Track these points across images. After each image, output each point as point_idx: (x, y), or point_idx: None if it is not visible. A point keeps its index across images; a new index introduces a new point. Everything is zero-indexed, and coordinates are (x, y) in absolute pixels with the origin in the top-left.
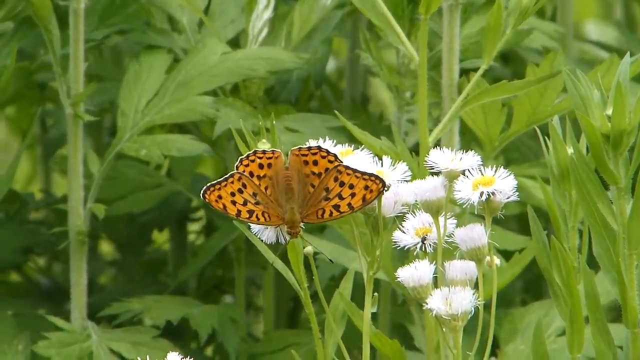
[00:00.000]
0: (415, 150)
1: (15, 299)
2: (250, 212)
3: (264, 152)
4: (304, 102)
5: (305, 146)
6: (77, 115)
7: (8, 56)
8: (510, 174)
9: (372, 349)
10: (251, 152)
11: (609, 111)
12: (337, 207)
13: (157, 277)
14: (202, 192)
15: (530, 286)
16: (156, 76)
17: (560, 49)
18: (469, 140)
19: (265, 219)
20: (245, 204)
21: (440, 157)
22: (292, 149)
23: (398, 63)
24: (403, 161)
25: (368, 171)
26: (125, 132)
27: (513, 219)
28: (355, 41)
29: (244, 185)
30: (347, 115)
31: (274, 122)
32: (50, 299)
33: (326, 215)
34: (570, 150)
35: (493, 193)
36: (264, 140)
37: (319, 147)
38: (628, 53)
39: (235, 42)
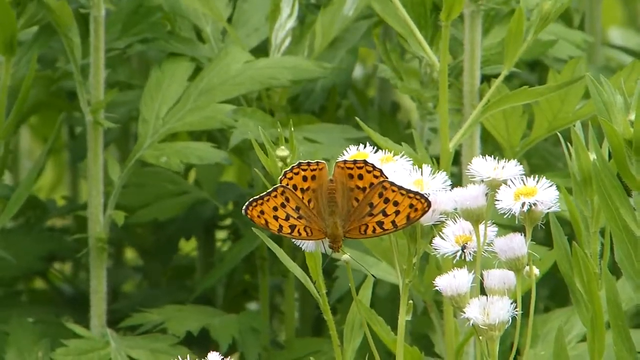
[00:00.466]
0: (438, 158)
1: (39, 306)
2: (292, 227)
3: (308, 164)
4: (332, 112)
5: (350, 159)
6: (97, 122)
7: (28, 64)
8: (552, 184)
9: (393, 357)
10: (295, 164)
11: (632, 116)
12: (380, 223)
13: (183, 284)
14: (244, 207)
15: (555, 293)
16: (178, 84)
17: (584, 57)
18: (490, 146)
19: (307, 234)
20: (287, 218)
21: (483, 166)
22: (337, 161)
23: (421, 72)
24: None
25: (414, 189)
26: (145, 139)
27: (537, 227)
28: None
29: (287, 199)
30: (376, 124)
31: (294, 131)
32: (74, 307)
33: (369, 231)
34: (592, 156)
35: (535, 204)
36: (282, 147)
37: (364, 162)
38: None
39: (259, 51)
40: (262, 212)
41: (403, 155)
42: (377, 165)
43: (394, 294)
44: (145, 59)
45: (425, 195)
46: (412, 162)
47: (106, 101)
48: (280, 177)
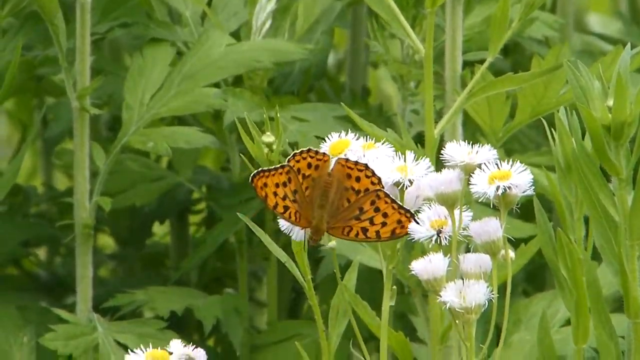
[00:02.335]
0: (418, 141)
1: (17, 292)
2: (286, 207)
3: (316, 152)
4: (304, 95)
5: (353, 160)
6: (83, 109)
7: (12, 52)
8: (525, 168)
9: (375, 339)
10: (305, 149)
11: (610, 102)
12: (365, 230)
13: (157, 270)
14: (251, 176)
15: (532, 277)
16: (160, 69)
17: (561, 39)
18: (472, 131)
19: (295, 219)
20: (284, 198)
21: (457, 151)
22: (339, 158)
23: (402, 55)
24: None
25: (406, 207)
26: (130, 125)
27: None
28: (356, 33)
29: (289, 180)
30: (348, 107)
31: (281, 112)
32: (49, 293)
33: (352, 234)
34: (572, 142)
35: (509, 187)
36: (268, 133)
37: (366, 166)
38: (629, 44)
39: (238, 35)
40: (265, 185)
41: (385, 142)
42: (377, 172)
43: (371, 277)
44: (115, 45)
45: (414, 215)
46: (395, 147)
47: (93, 87)
48: (289, 157)
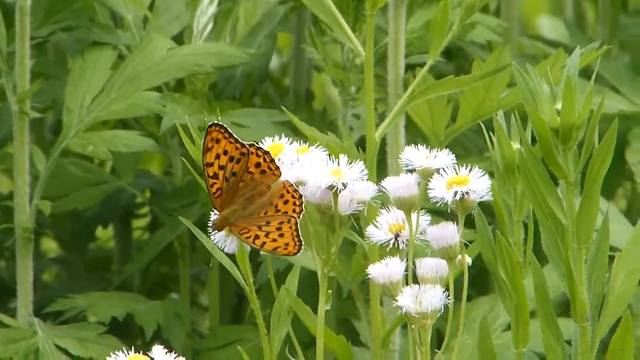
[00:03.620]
0: (361, 145)
1: None
2: (215, 176)
3: (272, 159)
4: (247, 99)
5: (295, 189)
6: (23, 112)
7: None
8: (484, 173)
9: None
10: (263, 150)
11: (558, 106)
12: (256, 237)
13: (101, 274)
14: (212, 123)
15: (475, 281)
16: (101, 72)
17: (504, 43)
18: (414, 134)
19: (214, 194)
20: (222, 168)
21: (415, 155)
22: (286, 181)
23: (343, 59)
24: (349, 156)
25: (300, 239)
26: (70, 129)
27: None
28: (300, 37)
29: (239, 161)
30: (291, 111)
31: (220, 118)
32: None
33: (245, 236)
34: (516, 145)
35: (467, 193)
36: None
37: (300, 196)
38: (577, 47)
39: (180, 39)
40: (217, 141)
41: (321, 146)
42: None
43: (311, 279)
44: (60, 49)
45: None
46: (331, 151)
47: (32, 91)
48: (250, 145)
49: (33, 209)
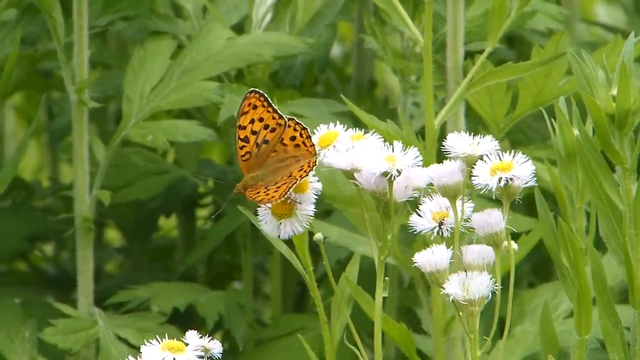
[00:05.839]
0: (421, 133)
1: (23, 287)
2: (246, 140)
3: (308, 136)
4: (309, 87)
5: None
6: (81, 102)
7: (12, 44)
8: (528, 159)
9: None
10: (303, 126)
11: (614, 91)
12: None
13: (164, 264)
14: (251, 90)
15: (538, 269)
16: (161, 62)
17: (566, 31)
18: (474, 122)
19: (242, 157)
20: (254, 134)
21: (458, 142)
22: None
23: (402, 47)
24: (409, 145)
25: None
26: (130, 118)
27: (519, 201)
28: (362, 26)
29: (274, 130)
30: (353, 100)
31: (279, 107)
32: (57, 287)
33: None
34: (576, 132)
35: (511, 179)
36: None
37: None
38: (632, 33)
39: (239, 28)
40: (254, 107)
41: (375, 133)
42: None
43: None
44: (121, 39)
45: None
46: (390, 140)
47: (91, 80)
48: (289, 118)
49: (93, 199)
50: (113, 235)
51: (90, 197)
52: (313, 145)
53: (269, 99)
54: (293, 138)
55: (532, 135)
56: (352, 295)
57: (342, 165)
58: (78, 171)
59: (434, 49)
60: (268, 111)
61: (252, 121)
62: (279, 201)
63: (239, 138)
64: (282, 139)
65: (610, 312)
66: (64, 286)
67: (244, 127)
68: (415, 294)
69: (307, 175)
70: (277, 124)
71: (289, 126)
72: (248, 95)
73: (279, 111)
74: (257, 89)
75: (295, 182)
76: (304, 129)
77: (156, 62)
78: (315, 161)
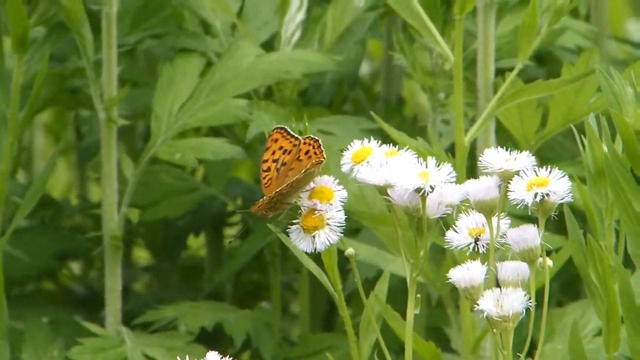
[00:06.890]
0: (450, 150)
1: (51, 306)
2: (268, 168)
3: (323, 155)
4: (338, 105)
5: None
6: (110, 120)
7: (40, 61)
8: (564, 175)
9: None
10: (319, 144)
11: None
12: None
13: (193, 283)
14: (276, 126)
15: (566, 287)
16: (190, 79)
17: (596, 49)
18: (504, 139)
19: (265, 183)
20: (275, 161)
21: (495, 157)
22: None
23: (432, 64)
24: (439, 162)
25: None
26: (159, 136)
27: (549, 218)
28: (391, 43)
29: (290, 152)
30: (381, 117)
31: (307, 124)
32: (85, 306)
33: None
34: (605, 149)
35: (547, 194)
36: None
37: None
38: None
39: (269, 45)
40: (275, 141)
41: (408, 149)
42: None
43: (401, 287)
44: (150, 56)
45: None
46: (420, 157)
47: (119, 98)
48: (307, 138)
49: (121, 217)
50: (141, 254)
51: (118, 215)
52: (322, 151)
53: (289, 130)
54: (307, 152)
55: (561, 153)
56: (380, 314)
57: (376, 181)
58: (107, 189)
59: (463, 66)
60: (286, 138)
61: (273, 152)
62: (283, 189)
63: (263, 170)
64: (299, 156)
65: (639, 330)
66: (92, 305)
67: (267, 160)
68: (443, 312)
69: (316, 161)
70: (293, 145)
71: (305, 143)
72: (272, 132)
73: (295, 135)
74: (282, 125)
75: (304, 170)
76: (315, 141)
77: (185, 79)
78: (322, 152)
